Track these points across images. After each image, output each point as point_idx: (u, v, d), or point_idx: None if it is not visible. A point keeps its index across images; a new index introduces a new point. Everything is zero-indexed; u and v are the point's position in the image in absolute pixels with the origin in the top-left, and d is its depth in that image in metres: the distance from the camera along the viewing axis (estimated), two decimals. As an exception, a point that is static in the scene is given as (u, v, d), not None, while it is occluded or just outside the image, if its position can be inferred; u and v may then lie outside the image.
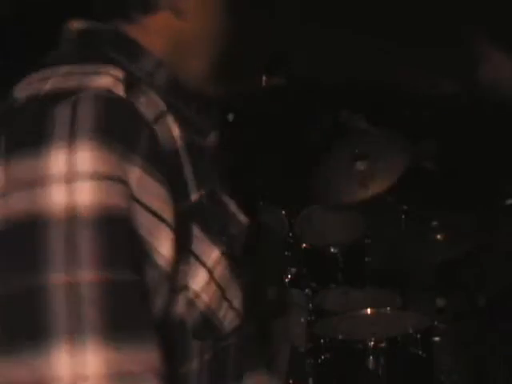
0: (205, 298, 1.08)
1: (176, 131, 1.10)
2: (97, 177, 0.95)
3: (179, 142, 1.10)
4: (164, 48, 1.18)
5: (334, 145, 4.66)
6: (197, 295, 1.07)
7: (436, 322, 3.31)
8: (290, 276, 4.06)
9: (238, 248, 1.20)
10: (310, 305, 3.65)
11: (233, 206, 1.21)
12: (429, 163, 4.19)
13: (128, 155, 0.99)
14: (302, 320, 3.72)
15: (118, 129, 0.99)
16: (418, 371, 3.16)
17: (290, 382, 3.65)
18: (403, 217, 3.92)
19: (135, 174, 0.99)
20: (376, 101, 5.70)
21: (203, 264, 1.08)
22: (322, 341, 3.18)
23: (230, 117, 4.74)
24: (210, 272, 1.09)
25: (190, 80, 1.22)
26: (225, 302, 1.13)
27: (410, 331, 3.15)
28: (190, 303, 1.07)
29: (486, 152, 4.37)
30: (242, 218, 1.21)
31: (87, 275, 0.92)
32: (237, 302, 1.16)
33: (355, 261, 4.08)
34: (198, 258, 1.08)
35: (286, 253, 4.10)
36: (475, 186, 3.96)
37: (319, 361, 3.19)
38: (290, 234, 4.14)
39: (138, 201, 0.99)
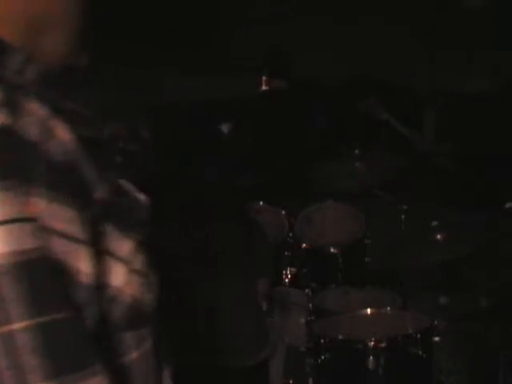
0: (129, 290, 1.08)
1: (64, 133, 1.04)
2: (3, 222, 0.92)
3: (71, 144, 1.04)
4: (14, 32, 1.05)
5: (334, 145, 4.67)
6: (119, 290, 1.07)
7: (436, 322, 3.30)
8: (289, 276, 4.07)
9: (147, 231, 1.19)
10: (310, 305, 3.65)
11: (132, 190, 1.17)
12: (446, 162, 4.19)
13: (29, 189, 0.95)
14: (302, 320, 3.72)
15: (12, 165, 0.94)
16: (417, 371, 3.16)
17: (290, 382, 3.65)
18: (403, 217, 3.92)
19: (42, 205, 0.96)
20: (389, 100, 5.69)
21: (120, 259, 1.07)
22: (322, 341, 3.18)
23: (225, 127, 4.74)
24: (129, 264, 1.08)
25: (52, 59, 1.11)
26: (148, 287, 1.14)
27: (410, 331, 3.15)
28: (113, 299, 1.06)
29: (493, 153, 4.37)
30: (143, 198, 1.18)
31: (19, 324, 0.91)
32: (155, 286, 1.17)
33: (355, 261, 4.08)
34: (113, 255, 1.07)
35: (286, 253, 4.10)
36: (480, 186, 3.96)
37: (319, 361, 3.19)
38: (290, 234, 4.15)
39: (51, 230, 0.97)
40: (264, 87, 4.91)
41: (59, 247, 0.98)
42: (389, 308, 3.34)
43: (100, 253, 1.04)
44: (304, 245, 4.10)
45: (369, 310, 3.29)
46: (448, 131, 4.42)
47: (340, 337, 3.19)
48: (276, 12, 7.69)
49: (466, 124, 4.45)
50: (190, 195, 3.34)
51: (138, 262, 1.10)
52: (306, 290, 3.81)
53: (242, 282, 3.25)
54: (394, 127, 4.02)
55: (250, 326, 3.25)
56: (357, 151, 4.25)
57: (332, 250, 4.05)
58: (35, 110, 1.03)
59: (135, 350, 1.10)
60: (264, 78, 4.90)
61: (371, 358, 3.05)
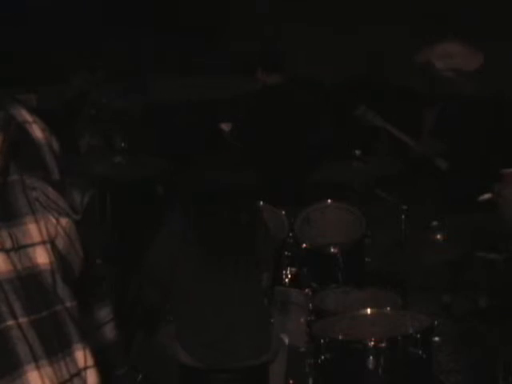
0: None
1: None
2: None
3: None
4: None
5: (333, 145, 4.67)
6: None
7: (436, 322, 3.31)
8: (289, 276, 4.06)
9: None
10: (310, 305, 3.65)
11: None
12: (441, 161, 4.19)
13: None
14: (302, 320, 3.72)
15: None
16: (417, 371, 3.16)
17: (290, 382, 3.65)
18: (403, 217, 3.92)
19: None
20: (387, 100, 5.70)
21: None
22: (321, 341, 3.18)
23: (225, 126, 4.73)
24: None
25: None
26: None
27: (410, 331, 3.15)
28: None
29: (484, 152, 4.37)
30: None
31: None
32: None
33: (355, 261, 4.08)
34: None
35: (286, 253, 4.10)
36: (474, 185, 3.97)
37: (319, 361, 3.19)
38: (290, 234, 4.15)
39: None
40: (261, 84, 4.90)
41: None
42: (389, 308, 3.34)
43: None
44: (304, 245, 4.10)
45: (369, 310, 3.29)
46: (445, 132, 4.43)
47: (340, 337, 3.18)
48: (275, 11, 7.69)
49: (462, 124, 4.47)
50: (192, 195, 3.34)
51: None
52: (306, 290, 3.80)
53: (246, 282, 3.25)
54: (389, 132, 4.02)
55: (253, 326, 3.25)
56: (357, 152, 4.25)
57: (332, 249, 4.05)
58: None
59: None
60: (260, 74, 4.89)
61: (371, 357, 3.04)
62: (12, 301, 1.16)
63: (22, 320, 1.16)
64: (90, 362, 1.24)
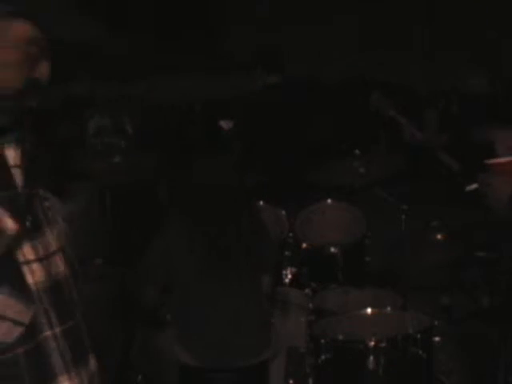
0: None
1: None
2: None
3: None
4: None
5: (335, 144, 4.67)
6: None
7: (436, 322, 3.31)
8: (289, 276, 4.06)
9: None
10: (310, 305, 3.65)
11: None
12: (453, 163, 4.17)
13: None
14: (302, 320, 3.72)
15: None
16: (417, 371, 3.16)
17: (290, 382, 3.65)
18: (403, 217, 3.92)
19: None
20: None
21: None
22: (322, 341, 3.18)
23: (225, 124, 4.73)
24: None
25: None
26: None
27: (410, 331, 3.15)
28: None
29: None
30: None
31: None
32: (12, 313, 1.13)
33: (355, 261, 4.08)
34: None
35: (286, 253, 4.10)
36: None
37: (319, 361, 3.19)
38: (290, 234, 4.15)
39: None
40: (260, 84, 4.90)
41: None
42: (389, 308, 3.34)
43: None
44: (304, 245, 4.10)
45: (369, 310, 3.29)
46: (446, 128, 4.43)
47: (340, 337, 3.19)
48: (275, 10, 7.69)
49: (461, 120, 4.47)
50: (191, 195, 3.34)
51: None
52: (306, 290, 3.80)
53: (246, 282, 3.25)
54: (400, 124, 3.99)
55: (253, 326, 3.25)
56: (357, 151, 4.25)
57: (332, 249, 4.05)
58: None
59: None
60: (259, 75, 4.89)
61: (371, 357, 3.04)
62: (49, 310, 1.14)
63: (57, 330, 1.14)
64: (96, 367, 1.24)
